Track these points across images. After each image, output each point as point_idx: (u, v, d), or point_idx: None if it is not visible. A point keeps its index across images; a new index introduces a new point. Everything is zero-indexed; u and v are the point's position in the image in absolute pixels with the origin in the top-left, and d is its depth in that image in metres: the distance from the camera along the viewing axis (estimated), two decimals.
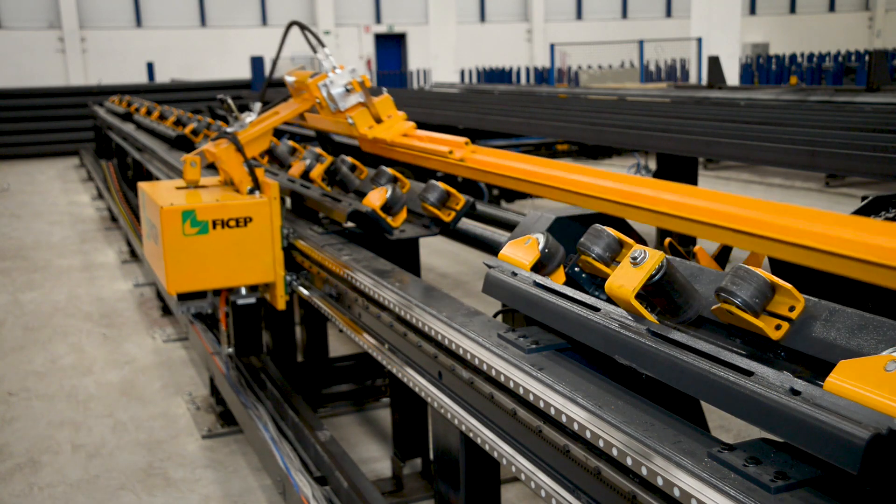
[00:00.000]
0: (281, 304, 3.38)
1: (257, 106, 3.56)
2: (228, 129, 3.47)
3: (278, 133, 7.58)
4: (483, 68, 22.58)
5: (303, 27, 3.48)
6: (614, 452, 1.38)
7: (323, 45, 3.44)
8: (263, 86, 3.63)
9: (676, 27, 29.45)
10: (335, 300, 2.96)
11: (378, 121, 3.36)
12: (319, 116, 3.51)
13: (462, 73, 21.59)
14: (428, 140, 3.17)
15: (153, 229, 3.35)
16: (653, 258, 1.48)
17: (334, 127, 3.45)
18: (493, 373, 1.76)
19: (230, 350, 3.77)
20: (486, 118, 7.45)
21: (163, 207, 3.14)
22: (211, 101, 12.66)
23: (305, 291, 3.31)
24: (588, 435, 1.45)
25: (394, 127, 3.35)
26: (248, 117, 3.53)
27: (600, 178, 2.30)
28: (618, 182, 2.22)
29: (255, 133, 3.47)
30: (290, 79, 3.53)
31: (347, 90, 3.34)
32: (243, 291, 3.54)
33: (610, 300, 1.61)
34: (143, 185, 3.62)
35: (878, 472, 1.05)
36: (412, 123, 3.38)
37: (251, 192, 3.34)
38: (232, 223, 3.23)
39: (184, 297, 3.61)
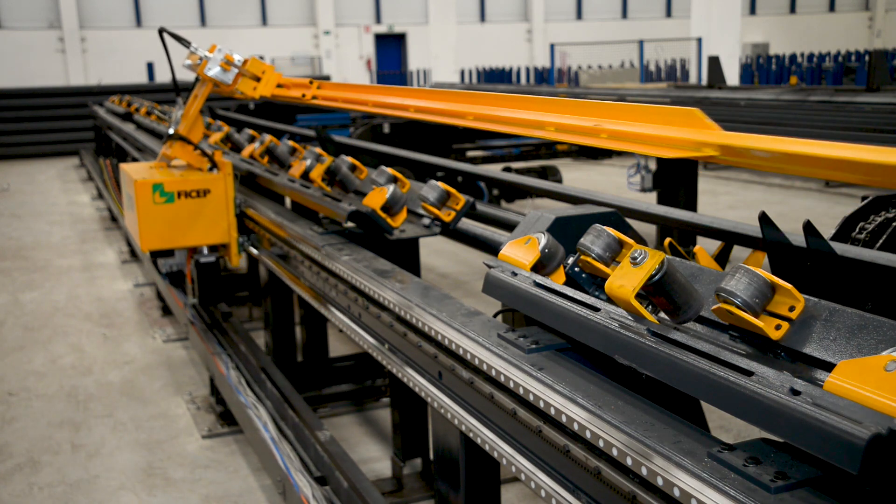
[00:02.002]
0: (235, 262, 4.07)
1: (179, 101, 4.21)
2: (170, 131, 4.14)
3: (278, 133, 7.58)
4: (483, 68, 22.57)
5: (168, 32, 4.08)
6: (614, 452, 1.38)
7: (189, 44, 4.04)
8: (175, 85, 4.27)
9: (676, 27, 29.44)
10: (283, 259, 3.56)
11: (257, 79, 4.09)
12: (225, 90, 4.21)
13: (462, 73, 21.59)
14: (292, 87, 4.10)
15: (130, 199, 4.01)
16: (653, 258, 1.48)
17: (236, 95, 4.23)
18: (493, 373, 1.76)
19: (195, 300, 4.53)
20: None
21: (137, 180, 3.81)
22: (211, 100, 12.66)
23: (255, 250, 4.03)
24: (588, 435, 1.45)
25: (269, 82, 4.11)
26: (178, 111, 4.18)
27: (402, 97, 3.33)
28: (407, 97, 3.26)
29: (189, 121, 4.13)
30: (188, 62, 4.09)
31: (224, 70, 4.02)
32: (205, 251, 4.26)
33: (610, 300, 1.61)
34: (123, 166, 4.31)
35: (878, 472, 1.05)
36: (279, 73, 4.18)
37: (210, 169, 4.01)
38: (194, 194, 3.91)
39: (155, 255, 4.47)
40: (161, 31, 4.10)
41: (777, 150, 1.68)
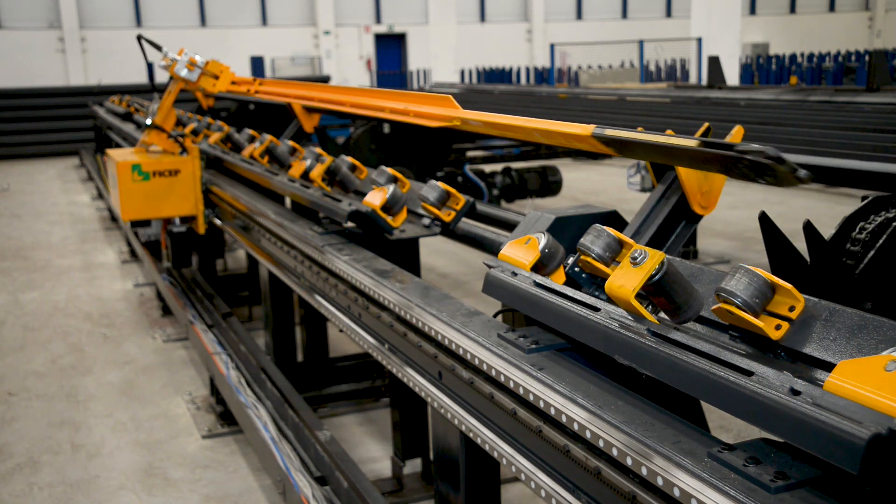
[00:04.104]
0: (201, 230, 4.86)
1: (156, 96, 5.13)
2: (147, 122, 4.92)
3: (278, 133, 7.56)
4: (483, 68, 22.55)
5: (144, 39, 4.87)
6: (614, 452, 1.38)
7: (161, 48, 4.86)
8: (151, 84, 5.53)
9: (676, 27, 29.42)
10: (244, 230, 4.23)
11: (216, 77, 4.85)
12: (192, 86, 5.03)
13: (462, 73, 21.57)
14: (241, 84, 4.92)
15: (114, 179, 4.75)
16: (653, 258, 1.48)
17: (198, 91, 5.19)
18: (493, 373, 1.76)
19: (168, 264, 5.39)
20: None
21: (118, 162, 4.60)
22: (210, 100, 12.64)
23: (219, 221, 4.81)
24: (588, 435, 1.45)
25: (225, 80, 4.88)
26: (155, 105, 5.06)
27: (309, 91, 4.41)
28: (322, 92, 4.24)
29: (163, 113, 4.92)
30: (163, 63, 4.86)
31: (189, 70, 4.80)
32: (177, 222, 5.06)
33: (610, 300, 1.61)
34: (109, 151, 5.14)
35: (878, 472, 1.05)
36: (233, 72, 4.97)
37: (181, 153, 4.77)
38: (166, 173, 4.66)
39: (135, 224, 5.49)
40: (139, 38, 4.89)
41: (482, 119, 2.61)
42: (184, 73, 4.76)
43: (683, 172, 1.99)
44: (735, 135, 1.88)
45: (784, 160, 1.44)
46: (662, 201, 2.04)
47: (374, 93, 3.42)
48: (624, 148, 1.96)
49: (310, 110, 4.84)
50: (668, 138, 1.73)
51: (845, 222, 3.51)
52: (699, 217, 2.05)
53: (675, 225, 2.04)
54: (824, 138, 4.14)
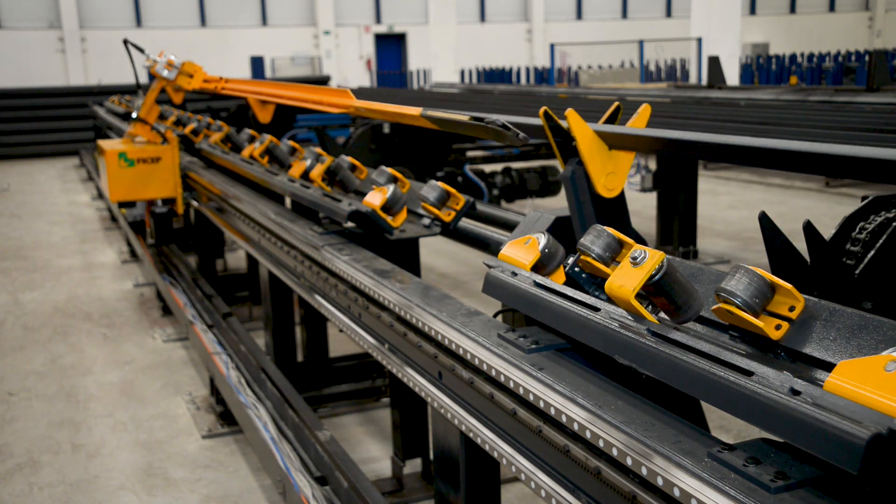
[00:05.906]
0: (180, 211, 5.58)
1: (140, 93, 5.82)
2: (133, 115, 5.61)
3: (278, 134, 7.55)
4: (483, 68, 22.53)
5: (130, 43, 5.58)
6: (614, 452, 1.38)
7: (143, 50, 5.54)
8: (136, 82, 5.94)
9: (676, 27, 29.42)
10: (219, 212, 4.71)
11: (191, 76, 5.41)
12: (170, 84, 5.58)
13: (462, 73, 21.57)
14: (211, 81, 5.39)
15: (103, 166, 5.43)
16: (653, 258, 1.48)
17: (178, 87, 5.57)
18: (493, 373, 1.76)
19: (152, 241, 6.15)
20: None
21: (107, 150, 5.28)
22: (210, 100, 12.65)
23: (196, 203, 5.45)
24: (588, 435, 1.45)
25: (198, 78, 5.43)
26: (139, 100, 5.71)
27: (261, 87, 5.12)
28: (264, 87, 4.99)
29: (147, 107, 5.59)
30: (146, 64, 5.50)
31: (167, 69, 5.36)
32: (160, 203, 5.83)
33: (610, 300, 1.61)
34: (99, 142, 5.74)
35: (878, 472, 1.05)
36: (205, 73, 5.48)
37: (162, 143, 5.43)
38: (149, 160, 5.33)
39: (122, 205, 6.22)
40: (125, 42, 5.59)
41: (366, 107, 3.17)
42: (164, 72, 5.37)
43: (585, 153, 2.10)
44: (642, 112, 2.22)
45: (509, 128, 2.21)
46: (582, 201, 2.10)
47: (301, 88, 4.09)
48: (441, 124, 2.56)
49: (263, 103, 5.47)
50: (460, 115, 2.41)
51: (845, 222, 3.51)
52: (620, 199, 2.11)
53: (612, 212, 2.12)
54: (824, 138, 4.14)
